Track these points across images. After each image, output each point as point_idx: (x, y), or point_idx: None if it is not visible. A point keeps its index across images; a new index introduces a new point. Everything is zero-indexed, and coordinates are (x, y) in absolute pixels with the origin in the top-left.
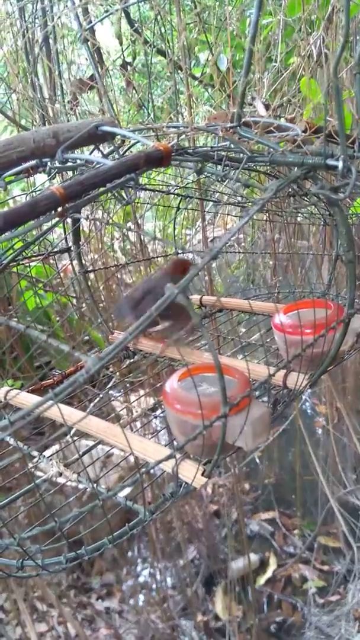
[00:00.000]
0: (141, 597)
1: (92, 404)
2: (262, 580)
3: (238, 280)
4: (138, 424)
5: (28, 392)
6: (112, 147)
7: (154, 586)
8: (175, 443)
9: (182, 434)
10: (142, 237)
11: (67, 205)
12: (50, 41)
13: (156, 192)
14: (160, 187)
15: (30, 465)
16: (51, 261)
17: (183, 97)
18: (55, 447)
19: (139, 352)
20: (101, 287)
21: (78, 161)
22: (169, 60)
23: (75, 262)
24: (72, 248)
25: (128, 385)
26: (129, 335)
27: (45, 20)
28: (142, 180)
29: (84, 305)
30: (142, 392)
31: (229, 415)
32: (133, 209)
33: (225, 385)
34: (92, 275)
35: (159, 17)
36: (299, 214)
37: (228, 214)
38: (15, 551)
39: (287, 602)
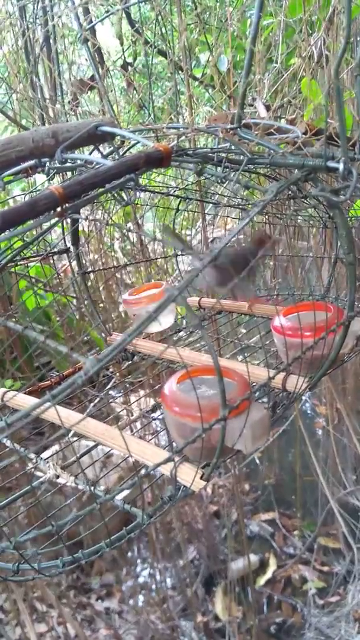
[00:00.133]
0: (141, 597)
1: (92, 405)
2: (262, 581)
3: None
4: (138, 425)
5: (26, 393)
6: (112, 148)
7: (153, 587)
8: (174, 445)
9: (180, 436)
10: (142, 237)
11: (66, 205)
12: (51, 41)
13: (156, 193)
14: (160, 188)
15: (30, 465)
16: (50, 261)
17: (184, 98)
18: (55, 447)
19: (137, 354)
20: (101, 288)
21: (78, 161)
22: (169, 61)
23: (74, 262)
24: (71, 249)
25: (128, 386)
26: (128, 336)
27: (46, 19)
28: (142, 181)
29: (82, 306)
30: (142, 393)
31: (228, 418)
32: (133, 210)
33: (224, 387)
34: (92, 276)
35: (159, 18)
36: (299, 216)
37: (228, 216)
38: (12, 554)
39: (287, 603)
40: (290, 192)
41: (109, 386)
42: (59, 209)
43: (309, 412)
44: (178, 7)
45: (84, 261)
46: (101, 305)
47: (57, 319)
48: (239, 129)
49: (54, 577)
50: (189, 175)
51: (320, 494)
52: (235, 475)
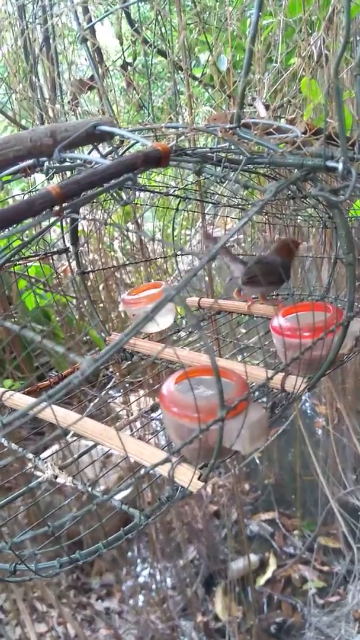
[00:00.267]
0: (141, 597)
1: (91, 404)
2: (262, 580)
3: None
4: (138, 424)
5: (25, 393)
6: (111, 147)
7: (153, 586)
8: (172, 446)
9: (178, 437)
10: (142, 237)
11: (64, 204)
12: (51, 41)
13: (156, 193)
14: (160, 188)
15: (29, 465)
16: (50, 261)
17: (183, 98)
18: (55, 447)
19: (136, 354)
20: (101, 288)
21: (77, 161)
22: (169, 61)
23: (73, 262)
24: (70, 248)
25: (127, 385)
26: (124, 337)
27: (46, 19)
28: (142, 180)
29: (81, 305)
30: (141, 392)
31: (226, 418)
32: (133, 209)
33: (222, 388)
34: (91, 275)
35: (159, 17)
36: (299, 216)
37: (227, 216)
38: (11, 554)
39: (287, 603)
40: (290, 192)
41: (109, 386)
42: (56, 208)
43: (308, 411)
44: (177, 7)
45: (83, 261)
46: (101, 305)
47: (57, 318)
48: (238, 128)
49: (53, 577)
50: (189, 175)
51: (320, 494)
52: (235, 475)
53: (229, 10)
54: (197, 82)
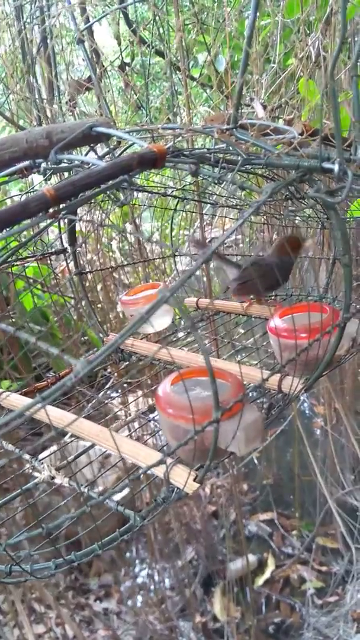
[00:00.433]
0: (139, 598)
1: (89, 405)
2: (260, 581)
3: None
4: (136, 425)
5: (22, 394)
6: (108, 149)
7: (152, 587)
8: (169, 447)
9: (174, 438)
10: (140, 237)
11: (60, 206)
12: (48, 41)
13: (153, 194)
14: (158, 188)
15: (27, 466)
16: (48, 262)
17: (181, 98)
18: (53, 448)
19: (134, 355)
20: (99, 288)
21: (75, 162)
22: (167, 61)
23: (71, 263)
24: (67, 249)
25: (125, 386)
26: (119, 338)
27: (43, 19)
28: (140, 181)
29: (79, 306)
30: (139, 393)
31: (221, 420)
32: (131, 210)
33: (217, 389)
34: (89, 276)
35: (157, 18)
36: (297, 217)
37: (225, 217)
38: (6, 555)
39: (286, 603)
40: (287, 193)
41: (107, 386)
42: (51, 210)
43: (307, 412)
44: (175, 7)
45: (81, 261)
46: (99, 305)
47: (55, 319)
48: (235, 129)
49: (51, 578)
50: (187, 175)
51: (319, 494)
52: (233, 475)
53: (227, 11)
54: (195, 83)
